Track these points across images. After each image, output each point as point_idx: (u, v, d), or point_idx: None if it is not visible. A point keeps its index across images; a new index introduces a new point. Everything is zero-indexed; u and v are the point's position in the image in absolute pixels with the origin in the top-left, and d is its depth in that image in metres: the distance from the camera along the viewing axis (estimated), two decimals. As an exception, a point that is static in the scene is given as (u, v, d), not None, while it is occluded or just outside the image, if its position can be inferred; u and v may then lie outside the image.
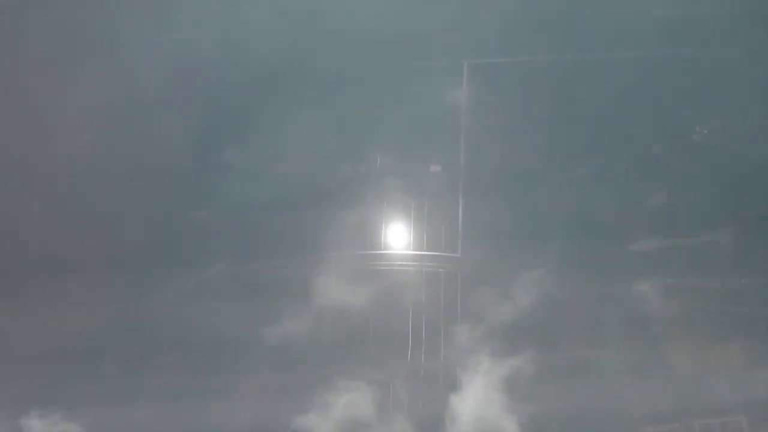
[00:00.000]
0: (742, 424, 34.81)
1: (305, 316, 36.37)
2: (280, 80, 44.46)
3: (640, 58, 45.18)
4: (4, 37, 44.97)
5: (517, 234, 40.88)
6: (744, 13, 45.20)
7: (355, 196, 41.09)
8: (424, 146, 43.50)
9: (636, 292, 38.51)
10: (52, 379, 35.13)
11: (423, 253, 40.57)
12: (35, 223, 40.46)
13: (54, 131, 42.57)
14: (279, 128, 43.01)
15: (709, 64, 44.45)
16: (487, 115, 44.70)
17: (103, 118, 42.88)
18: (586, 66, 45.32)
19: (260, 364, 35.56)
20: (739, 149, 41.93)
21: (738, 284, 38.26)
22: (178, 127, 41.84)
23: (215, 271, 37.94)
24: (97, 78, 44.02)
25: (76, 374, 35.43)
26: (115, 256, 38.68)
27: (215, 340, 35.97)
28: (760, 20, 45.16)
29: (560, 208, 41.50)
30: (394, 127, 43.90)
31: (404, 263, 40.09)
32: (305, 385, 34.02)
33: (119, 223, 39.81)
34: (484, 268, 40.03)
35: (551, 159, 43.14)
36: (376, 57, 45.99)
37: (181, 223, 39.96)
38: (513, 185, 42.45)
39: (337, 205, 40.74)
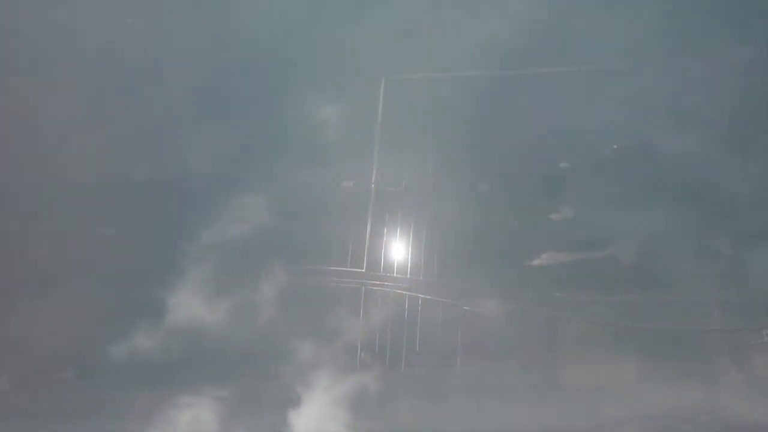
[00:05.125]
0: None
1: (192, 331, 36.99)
2: (196, 97, 44.92)
3: (556, 74, 45.68)
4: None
5: (424, 249, 41.41)
6: (661, 30, 45.73)
7: (263, 211, 41.57)
8: (338, 161, 43.98)
9: (539, 308, 39.09)
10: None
11: (329, 267, 41.00)
12: None
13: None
14: (190, 144, 43.50)
15: (624, 81, 44.86)
16: (402, 131, 45.20)
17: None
18: (502, 82, 45.75)
19: (107, 381, 36.16)
20: (651, 167, 42.41)
21: (636, 300, 38.72)
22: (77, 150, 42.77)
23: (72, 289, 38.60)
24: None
25: None
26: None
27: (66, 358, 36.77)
28: (677, 38, 45.70)
29: (469, 223, 41.94)
30: (308, 142, 44.41)
31: (309, 278, 40.46)
32: (154, 402, 34.66)
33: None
34: (388, 283, 40.49)
35: (463, 175, 43.59)
36: (293, 72, 46.54)
37: (75, 242, 40.63)
38: (423, 201, 42.97)
39: (245, 219, 41.22)
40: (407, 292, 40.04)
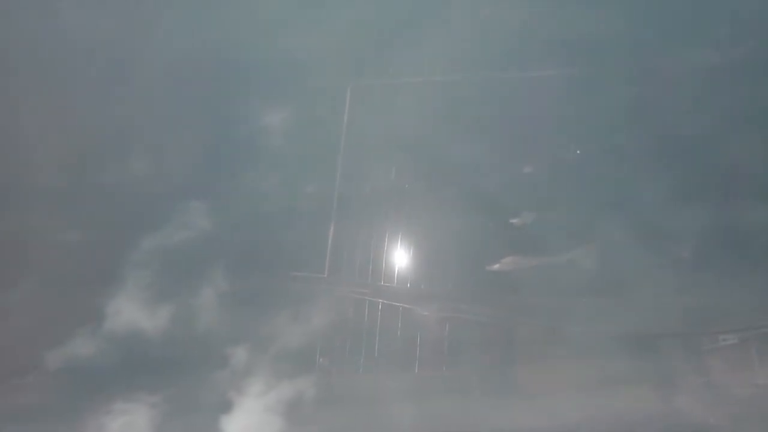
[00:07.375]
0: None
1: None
2: (157, 101, 44.64)
3: (521, 79, 45.81)
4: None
5: (387, 255, 41.40)
6: (622, 35, 46.06)
7: (224, 216, 41.39)
8: (302, 167, 43.96)
9: (503, 313, 39.18)
10: None
11: (290, 273, 40.89)
12: None
13: None
14: (150, 149, 43.30)
15: (589, 85, 45.10)
16: (367, 137, 45.19)
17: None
18: (467, 87, 45.85)
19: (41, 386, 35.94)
20: (611, 171, 42.63)
21: (590, 304, 38.83)
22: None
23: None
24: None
25: None
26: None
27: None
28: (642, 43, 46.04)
29: (434, 229, 41.97)
30: (272, 148, 44.29)
31: (269, 284, 40.36)
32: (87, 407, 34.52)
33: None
34: (350, 288, 40.43)
35: (427, 180, 43.62)
36: (260, 79, 46.44)
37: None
38: (387, 207, 42.94)
39: (206, 224, 41.04)
40: (369, 298, 40.01)
